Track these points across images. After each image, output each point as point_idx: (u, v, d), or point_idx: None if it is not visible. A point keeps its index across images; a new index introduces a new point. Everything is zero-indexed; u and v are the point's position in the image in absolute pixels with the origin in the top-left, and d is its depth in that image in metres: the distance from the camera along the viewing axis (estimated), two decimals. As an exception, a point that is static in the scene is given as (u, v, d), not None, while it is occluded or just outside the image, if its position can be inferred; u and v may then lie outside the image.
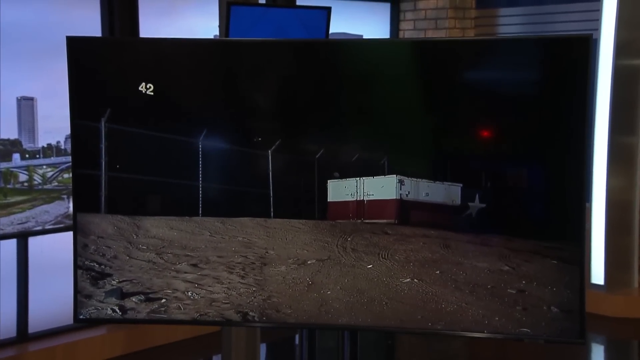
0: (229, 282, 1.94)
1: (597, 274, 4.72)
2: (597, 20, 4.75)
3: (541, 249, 1.83)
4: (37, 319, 3.85)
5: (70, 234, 2.01)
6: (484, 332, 1.83)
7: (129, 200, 2.02)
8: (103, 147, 1.97)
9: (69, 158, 2.73)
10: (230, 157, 1.98)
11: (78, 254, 1.98)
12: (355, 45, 1.92)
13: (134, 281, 1.96)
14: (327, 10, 3.34)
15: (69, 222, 3.76)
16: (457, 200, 1.88)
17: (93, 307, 1.96)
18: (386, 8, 5.62)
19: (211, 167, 1.98)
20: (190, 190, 1.98)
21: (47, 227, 3.88)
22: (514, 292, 1.83)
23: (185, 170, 1.99)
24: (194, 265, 1.97)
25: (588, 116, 1.76)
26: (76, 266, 1.98)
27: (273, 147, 1.95)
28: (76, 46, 1.94)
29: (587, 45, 1.72)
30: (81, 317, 1.98)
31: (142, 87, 1.93)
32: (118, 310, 1.94)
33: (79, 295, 1.97)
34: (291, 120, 1.95)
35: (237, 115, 1.97)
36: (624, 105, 4.79)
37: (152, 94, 1.94)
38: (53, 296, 3.80)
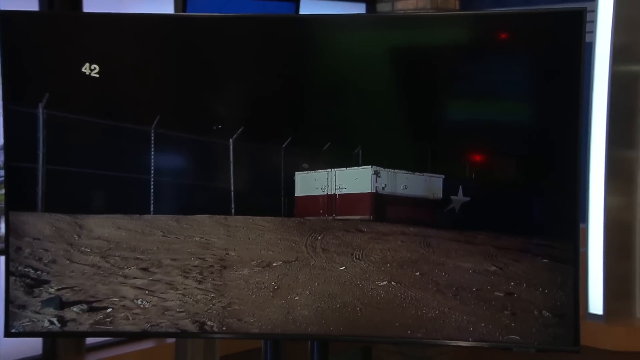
0: (185, 288, 1.96)
1: (595, 303, 4.81)
2: (592, 22, 4.91)
3: (531, 246, 1.90)
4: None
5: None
6: (468, 340, 1.88)
7: (70, 197, 2.04)
8: (41, 137, 1.99)
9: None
10: (186, 147, 2.02)
11: (10, 258, 1.98)
12: (325, 21, 1.99)
13: (76, 288, 1.97)
14: (296, 3, 3.42)
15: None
16: (439, 194, 1.94)
17: (27, 319, 1.96)
18: (361, 9, 5.76)
19: (164, 159, 2.02)
20: (141, 184, 2.01)
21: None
22: (502, 295, 1.89)
23: (134, 162, 2.02)
24: (145, 269, 1.99)
25: (581, 102, 1.85)
26: (8, 272, 1.98)
27: (234, 136, 2.00)
28: (9, 21, 1.97)
29: (581, 21, 1.82)
30: (13, 330, 1.97)
31: (85, 68, 1.97)
32: (57, 322, 1.94)
33: (11, 306, 1.96)
34: (254, 105, 2.00)
35: (194, 100, 2.01)
36: (622, 116, 4.94)
37: (97, 75, 1.97)
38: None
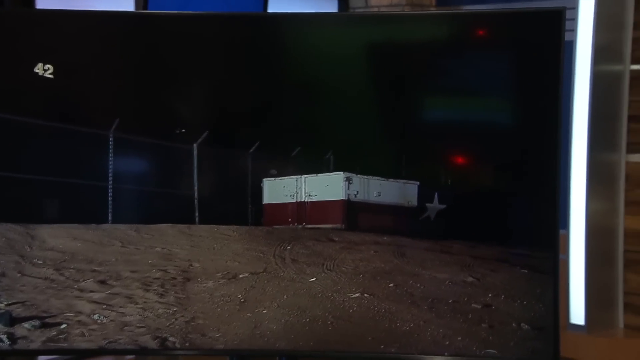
0: (145, 302, 1.98)
1: (577, 313, 4.90)
2: (573, 19, 5.00)
3: (509, 256, 1.95)
4: None
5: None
6: (444, 355, 1.93)
7: (21, 205, 2.04)
8: (-10, 141, 1.99)
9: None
10: (147, 152, 2.04)
11: (-44, 271, 1.98)
12: (294, 19, 2.02)
13: (27, 303, 1.97)
14: (264, 0, 3.45)
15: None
16: (414, 201, 1.99)
17: (-27, 337, 1.95)
18: (333, 5, 5.81)
19: (124, 165, 2.03)
20: (98, 192, 2.02)
21: None
22: (479, 307, 1.94)
23: (91, 168, 2.03)
24: (102, 282, 2.00)
25: (561, 104, 1.91)
26: (-47, 286, 1.97)
27: (199, 140, 2.02)
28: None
29: (560, 20, 1.88)
30: (-42, 348, 1.97)
31: (38, 69, 1.98)
32: (6, 340, 1.94)
33: (-44, 322, 1.96)
34: (220, 108, 2.02)
35: (156, 103, 2.03)
36: (604, 117, 5.03)
37: (51, 76, 1.98)
38: None
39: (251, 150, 2.01)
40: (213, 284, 1.99)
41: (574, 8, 4.99)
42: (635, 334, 4.73)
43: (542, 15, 1.91)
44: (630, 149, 4.65)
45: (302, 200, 2.06)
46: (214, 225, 2.03)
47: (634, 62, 4.57)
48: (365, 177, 2.02)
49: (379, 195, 2.01)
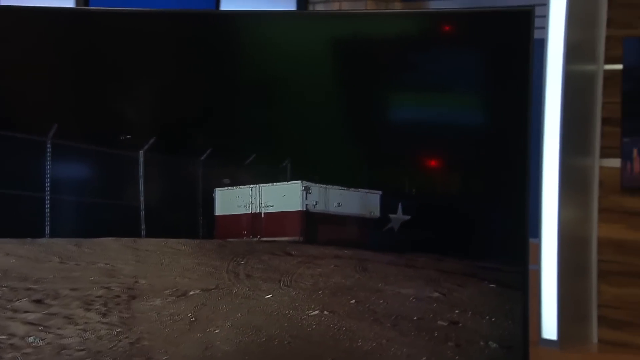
0: (86, 323, 1.97)
1: (549, 327, 4.97)
2: (544, 16, 5.07)
3: (477, 270, 1.99)
4: None
5: None
6: (409, 375, 1.95)
7: (-52, 218, 2.01)
8: None
9: None
10: (89, 159, 2.03)
11: None
12: (248, 17, 2.03)
13: (-45, 325, 1.95)
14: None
15: None
16: (376, 212, 2.01)
17: None
18: (291, 4, 5.86)
19: (63, 174, 2.02)
20: (34, 203, 2.01)
21: None
22: (445, 324, 1.97)
23: (27, 178, 2.01)
24: (39, 301, 1.98)
25: (530, 106, 1.95)
26: None
27: (145, 147, 2.02)
28: None
29: (529, 20, 1.92)
30: None
31: (-32, 69, 1.95)
32: None
33: None
34: (169, 112, 2.02)
35: (98, 106, 2.02)
36: (577, 120, 5.11)
37: (-17, 77, 1.96)
38: None
39: (202, 158, 2.01)
40: (161, 302, 1.98)
41: (545, 4, 5.07)
42: (609, 348, 4.81)
43: (511, 15, 1.94)
44: (604, 153, 4.72)
45: (257, 211, 2.07)
46: (162, 239, 2.03)
47: (607, 61, 4.63)
48: (325, 186, 2.03)
49: (339, 205, 2.03)
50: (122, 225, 2.02)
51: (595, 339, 5.13)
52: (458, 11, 2.17)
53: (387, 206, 2.00)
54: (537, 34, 2.50)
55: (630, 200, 4.52)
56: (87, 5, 3.12)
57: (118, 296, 1.99)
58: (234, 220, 2.06)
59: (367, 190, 2.01)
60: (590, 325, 5.15)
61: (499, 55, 1.98)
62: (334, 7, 5.89)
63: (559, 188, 5.03)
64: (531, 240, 2.27)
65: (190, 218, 2.02)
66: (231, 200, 2.05)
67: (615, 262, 4.74)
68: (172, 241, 2.03)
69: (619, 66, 4.44)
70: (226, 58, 2.01)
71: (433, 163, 2.01)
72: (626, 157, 4.50)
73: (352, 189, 2.02)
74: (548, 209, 5.01)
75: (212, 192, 2.03)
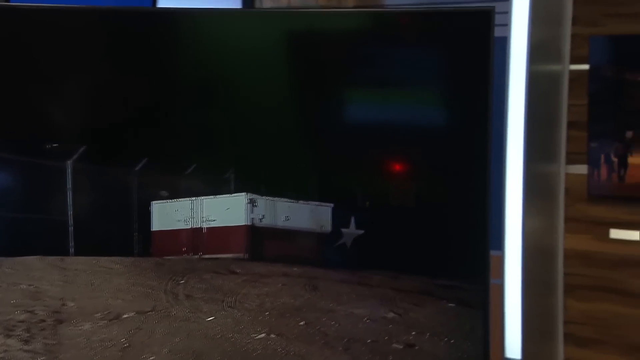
0: (6, 351, 1.93)
1: (513, 346, 5.03)
2: (506, 13, 5.14)
3: (435, 288, 2.00)
4: None
5: None
6: (363, 403, 1.96)
7: None
8: None
9: None
10: (10, 170, 2.00)
11: None
12: (186, 15, 2.02)
13: None
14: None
15: None
16: (327, 226, 2.01)
17: None
18: (236, 1, 5.87)
19: (-19, 185, 1.98)
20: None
21: None
22: (401, 347, 1.98)
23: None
24: (-46, 326, 1.95)
25: (491, 109, 1.98)
26: None
27: (74, 157, 1.99)
28: None
29: (489, 21, 1.94)
30: None
31: None
32: None
33: None
34: (100, 117, 2.00)
35: (20, 111, 1.99)
36: (542, 124, 5.18)
37: None
38: None
39: (137, 168, 1.99)
40: (91, 327, 1.96)
41: (507, 0, 5.13)
42: (576, 367, 4.88)
43: (470, 16, 1.97)
44: (570, 159, 4.79)
45: (198, 225, 2.06)
46: (93, 257, 2.01)
47: (573, 61, 4.70)
48: (272, 198, 2.03)
49: (287, 219, 2.03)
50: (48, 242, 1.99)
51: (561, 358, 5.21)
52: (415, 10, 2.19)
53: (339, 220, 2.01)
54: (500, 32, 2.53)
55: (598, 209, 4.60)
56: (8, 1, 3.06)
57: (43, 320, 1.96)
58: (172, 235, 2.04)
59: (317, 203, 2.02)
60: (556, 343, 5.23)
61: (458, 56, 2.00)
62: (283, 3, 5.90)
63: (522, 196, 5.09)
64: (494, 253, 2.29)
65: (124, 234, 2.00)
66: (169, 214, 2.03)
67: (582, 275, 4.82)
68: (103, 259, 2.01)
69: (586, 66, 4.51)
70: (163, 59, 1.99)
71: (388, 172, 2.02)
72: (593, 163, 4.58)
73: (302, 201, 2.02)
74: (511, 219, 5.08)
75: (149, 205, 2.02)
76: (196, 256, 2.05)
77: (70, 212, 2.00)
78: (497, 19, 2.07)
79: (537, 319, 5.09)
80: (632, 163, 4.33)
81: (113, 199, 2.03)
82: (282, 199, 2.03)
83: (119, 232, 2.01)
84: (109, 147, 2.01)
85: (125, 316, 1.98)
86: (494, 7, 1.96)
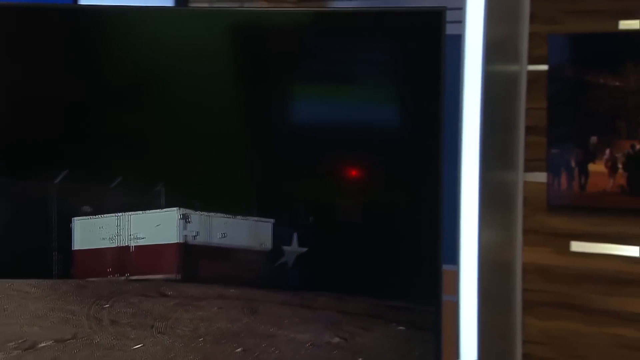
0: None
1: (469, 367, 5.07)
2: (460, 9, 5.18)
3: (384, 310, 2.01)
4: None
5: None
6: None
7: None
8: None
9: None
10: None
11: None
12: (109, 13, 2.01)
13: None
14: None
15: None
16: (268, 243, 2.01)
17: None
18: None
19: None
20: None
21: None
22: (348, 375, 1.99)
23: None
24: None
25: (442, 114, 1.99)
26: None
27: (-15, 168, 1.96)
28: None
29: (439, 22, 1.96)
30: None
31: None
32: None
33: None
34: (14, 124, 1.97)
35: None
36: (498, 128, 5.23)
37: None
38: None
39: (56, 181, 1.97)
40: (3, 358, 1.92)
41: (461, -3, 5.18)
42: (535, 390, 4.94)
43: (420, 16, 1.98)
44: (529, 167, 4.84)
45: (125, 244, 2.04)
46: (6, 280, 1.97)
47: (531, 61, 4.75)
48: (207, 213, 2.02)
49: (224, 236, 2.02)
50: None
51: (520, 379, 5.27)
52: (365, 10, 2.19)
53: (280, 237, 2.00)
54: (453, 29, 2.55)
55: (558, 220, 4.65)
56: None
57: (-49, 350, 1.92)
58: (96, 255, 2.02)
59: (257, 218, 2.01)
60: (515, 364, 5.28)
61: (408, 57, 2.02)
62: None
63: (478, 207, 5.14)
64: (448, 268, 2.30)
65: (41, 254, 1.97)
66: (93, 232, 2.01)
67: (542, 291, 4.88)
68: (18, 282, 1.98)
69: (544, 67, 4.56)
70: (86, 59, 1.98)
71: (332, 182, 2.03)
72: (553, 171, 4.63)
73: (240, 216, 2.01)
74: (466, 231, 5.12)
75: (70, 222, 1.99)
76: (123, 277, 2.03)
77: (-19, 230, 1.97)
78: (451, 15, 2.08)
79: (494, 338, 5.14)
80: (594, 171, 4.37)
81: (29, 216, 2.00)
82: (218, 214, 2.02)
83: (36, 251, 1.99)
84: (24, 158, 1.98)
85: (41, 345, 1.95)
86: (445, 7, 1.97)
